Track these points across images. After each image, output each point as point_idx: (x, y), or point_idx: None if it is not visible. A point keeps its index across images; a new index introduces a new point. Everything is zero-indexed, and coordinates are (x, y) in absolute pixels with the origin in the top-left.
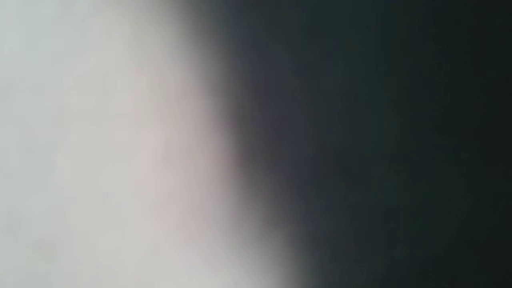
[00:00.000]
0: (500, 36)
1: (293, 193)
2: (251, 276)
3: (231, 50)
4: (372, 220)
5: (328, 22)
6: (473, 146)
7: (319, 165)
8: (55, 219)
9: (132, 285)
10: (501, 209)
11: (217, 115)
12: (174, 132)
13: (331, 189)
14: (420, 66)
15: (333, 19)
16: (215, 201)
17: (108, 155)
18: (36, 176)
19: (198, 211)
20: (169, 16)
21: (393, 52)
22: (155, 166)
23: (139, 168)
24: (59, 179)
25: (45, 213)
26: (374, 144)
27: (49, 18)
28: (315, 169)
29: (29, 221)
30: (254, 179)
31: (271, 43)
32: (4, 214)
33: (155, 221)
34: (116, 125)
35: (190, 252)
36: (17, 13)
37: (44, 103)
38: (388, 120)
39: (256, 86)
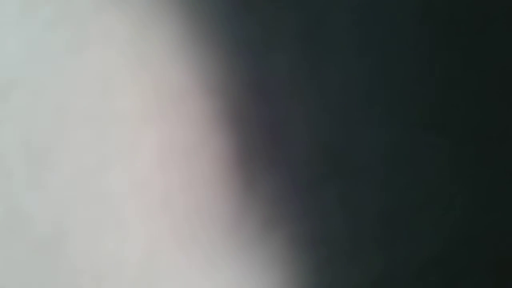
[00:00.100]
0: (500, 36)
1: (292, 194)
2: (250, 276)
3: (230, 51)
4: (371, 221)
5: (326, 23)
6: (473, 146)
7: (318, 166)
8: (55, 219)
9: (132, 285)
10: (501, 209)
11: (217, 116)
12: (174, 132)
13: (330, 190)
14: (420, 66)
15: (330, 20)
16: (214, 201)
17: (107, 155)
18: (36, 176)
19: (197, 211)
20: (169, 17)
21: (392, 52)
22: (154, 166)
23: (139, 168)
24: (59, 179)
25: (45, 213)
26: (373, 144)
27: (49, 18)
28: (314, 170)
29: (29, 221)
30: (253, 179)
31: (269, 44)
32: (4, 214)
33: (155, 221)
34: (116, 125)
35: (189, 252)
36: (17, 13)
37: (44, 103)
38: (387, 120)
39: (255, 87)
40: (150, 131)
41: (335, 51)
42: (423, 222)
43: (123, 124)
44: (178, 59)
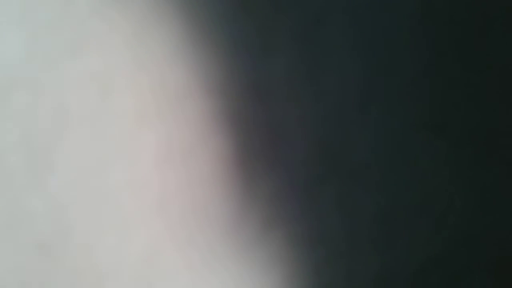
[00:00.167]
0: (500, 36)
1: (290, 194)
2: (250, 276)
3: (228, 52)
4: (369, 221)
5: (324, 24)
6: (472, 146)
7: (316, 166)
8: (55, 219)
9: (132, 284)
10: (501, 209)
11: (215, 117)
12: (173, 133)
13: (327, 190)
14: (418, 67)
15: (328, 21)
16: (212, 202)
17: (108, 155)
18: (36, 176)
19: (196, 212)
20: (168, 18)
21: (390, 52)
22: (153, 167)
23: (139, 168)
24: (59, 179)
25: (45, 213)
26: (371, 144)
27: (49, 18)
28: (311, 170)
29: (29, 221)
30: (251, 180)
31: (267, 46)
32: (4, 214)
33: (155, 221)
34: (116, 125)
35: (189, 252)
36: (17, 13)
37: (44, 103)
38: (386, 120)
39: (253, 88)
40: (149, 132)
41: (333, 52)
42: (422, 222)
43: (122, 124)
44: (177, 60)
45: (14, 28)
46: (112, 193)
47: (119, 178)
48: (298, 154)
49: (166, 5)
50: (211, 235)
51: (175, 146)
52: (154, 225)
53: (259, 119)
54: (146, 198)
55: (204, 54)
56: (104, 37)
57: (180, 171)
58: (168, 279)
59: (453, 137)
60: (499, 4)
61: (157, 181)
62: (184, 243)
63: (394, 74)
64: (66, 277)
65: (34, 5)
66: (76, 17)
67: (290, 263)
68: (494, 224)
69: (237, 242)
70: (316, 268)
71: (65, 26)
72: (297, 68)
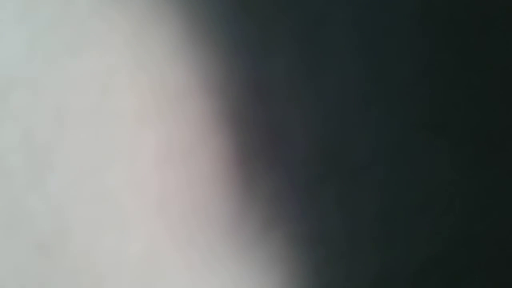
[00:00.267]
0: (500, 35)
1: (290, 194)
2: (250, 275)
3: (229, 52)
4: (369, 221)
5: (324, 24)
6: (472, 146)
7: (316, 166)
8: (55, 219)
9: (132, 284)
10: (501, 209)
11: (215, 116)
12: (173, 133)
13: (328, 190)
14: (419, 66)
15: (329, 21)
16: (213, 202)
17: (108, 155)
18: (36, 176)
19: (196, 212)
20: (168, 18)
21: (391, 52)
22: (153, 167)
23: (139, 167)
24: (59, 179)
25: (45, 213)
26: (372, 144)
27: (49, 18)
28: (312, 170)
29: (28, 221)
30: (251, 180)
31: (268, 45)
32: (4, 214)
33: (155, 221)
34: (116, 125)
35: (189, 252)
36: (17, 13)
37: (44, 103)
38: (386, 120)
39: (253, 88)
40: (149, 132)
41: (333, 51)
42: (422, 222)
43: (122, 124)
44: (177, 60)
45: (14, 27)
46: (112, 193)
47: (119, 178)
48: (299, 154)
49: (166, 5)
50: (211, 235)
51: (175, 146)
52: (154, 225)
53: (259, 118)
54: (146, 198)
55: (204, 53)
56: (104, 37)
57: (180, 171)
58: (168, 279)
59: (453, 137)
60: (499, 4)
61: (157, 181)
62: (184, 243)
63: (394, 74)
64: (66, 277)
65: (34, 5)
66: (76, 17)
67: (290, 263)
68: (494, 224)
69: (237, 242)
70: (316, 268)
71: (65, 26)
72: (298, 67)
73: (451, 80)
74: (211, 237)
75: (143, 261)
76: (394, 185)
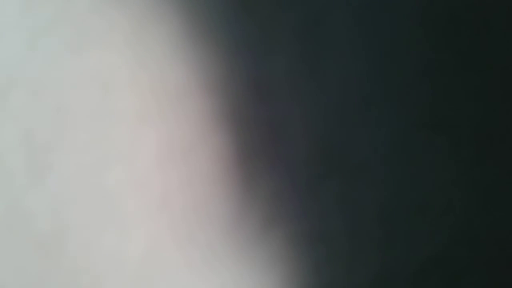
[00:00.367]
0: (500, 35)
1: (291, 193)
2: (251, 274)
3: (229, 51)
4: (370, 220)
5: (325, 23)
6: (472, 146)
7: (317, 165)
8: (55, 219)
9: (132, 284)
10: (501, 209)
11: (216, 115)
12: (173, 132)
13: (328, 189)
14: (419, 65)
15: (329, 20)
16: (214, 200)
17: (108, 154)
18: (35, 176)
19: (196, 211)
20: (168, 17)
21: (391, 51)
22: (154, 166)
23: (139, 166)
24: (59, 179)
25: (44, 213)
26: (372, 143)
27: (49, 17)
28: (312, 169)
29: (28, 221)
30: (252, 179)
31: (268, 44)
32: (4, 213)
33: (156, 220)
34: (116, 124)
35: (189, 251)
36: (18, 13)
37: (44, 103)
38: (387, 119)
39: (254, 87)
40: (149, 131)
41: (334, 51)
42: (423, 222)
43: (122, 123)
44: (177, 59)
45: (14, 27)
46: (113, 192)
47: (120, 177)
48: (299, 153)
49: (167, 3)
50: (211, 234)
51: (176, 144)
52: (155, 223)
53: (260, 117)
54: (146, 197)
55: (204, 52)
56: (104, 36)
57: (181, 169)
58: (168, 278)
59: (454, 136)
60: (499, 4)
61: (157, 180)
62: (185, 242)
63: (395, 73)
64: (66, 276)
65: (34, 4)
66: (76, 16)
67: (290, 262)
68: (494, 224)
69: (238, 241)
70: (316, 267)
71: (65, 25)
72: (298, 67)
73: (451, 80)
74: (211, 236)
75: (143, 261)
76: (394, 184)
